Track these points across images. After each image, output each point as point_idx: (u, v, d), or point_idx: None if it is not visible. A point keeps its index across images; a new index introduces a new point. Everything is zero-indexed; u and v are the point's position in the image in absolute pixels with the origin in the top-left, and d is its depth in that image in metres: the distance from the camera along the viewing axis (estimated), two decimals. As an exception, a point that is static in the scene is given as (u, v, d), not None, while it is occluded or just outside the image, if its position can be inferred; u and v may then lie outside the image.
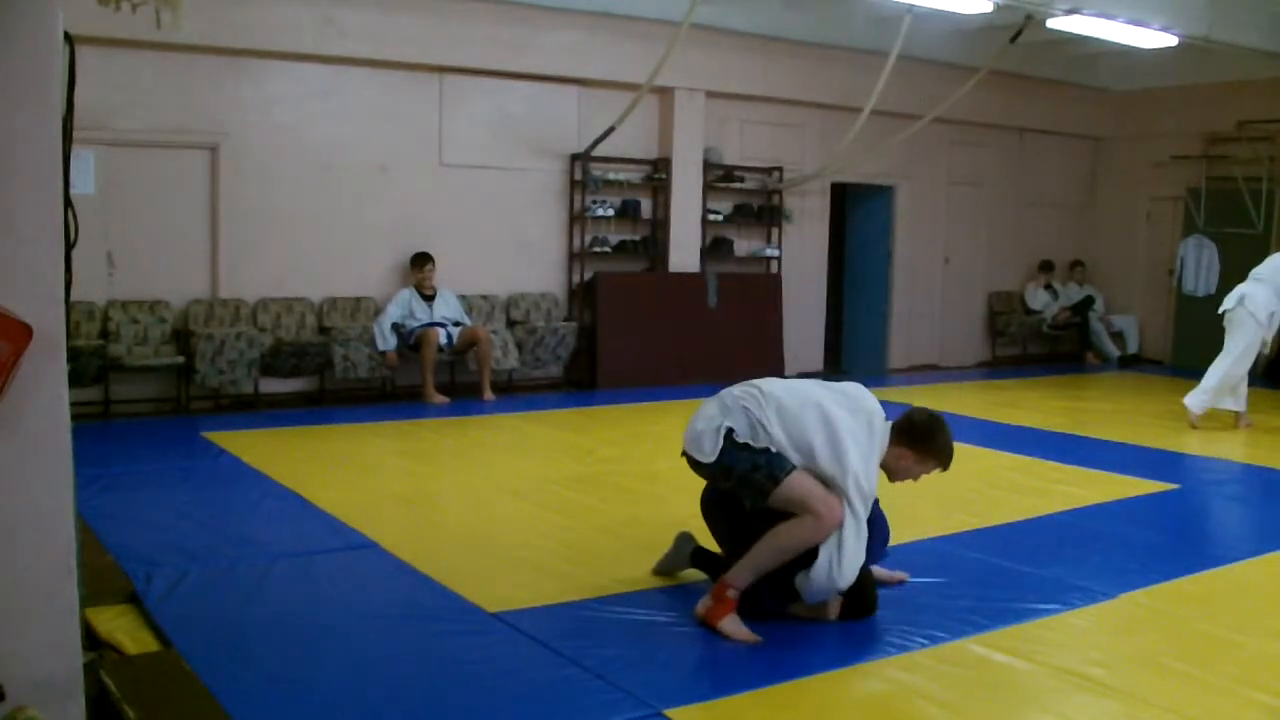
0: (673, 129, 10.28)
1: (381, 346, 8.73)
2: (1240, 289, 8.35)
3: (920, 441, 4.04)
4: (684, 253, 10.40)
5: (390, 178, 9.11)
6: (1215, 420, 8.39)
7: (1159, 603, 4.29)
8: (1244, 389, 8.36)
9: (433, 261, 9.00)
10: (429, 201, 9.28)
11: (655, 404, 9.06)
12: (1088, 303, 12.97)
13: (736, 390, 4.11)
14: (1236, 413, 8.41)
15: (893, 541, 4.94)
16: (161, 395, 8.20)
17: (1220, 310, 8.46)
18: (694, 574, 4.44)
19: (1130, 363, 12.75)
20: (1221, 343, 8.53)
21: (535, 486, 6.10)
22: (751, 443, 3.92)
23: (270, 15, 8.27)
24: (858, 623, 3.97)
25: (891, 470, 4.09)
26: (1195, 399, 8.33)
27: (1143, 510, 5.85)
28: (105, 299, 8.00)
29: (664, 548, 4.83)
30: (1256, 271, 8.42)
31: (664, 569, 4.48)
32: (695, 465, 4.09)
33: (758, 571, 3.93)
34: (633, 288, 10.15)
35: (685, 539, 4.46)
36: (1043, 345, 13.19)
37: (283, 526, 5.17)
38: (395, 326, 8.81)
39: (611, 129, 9.46)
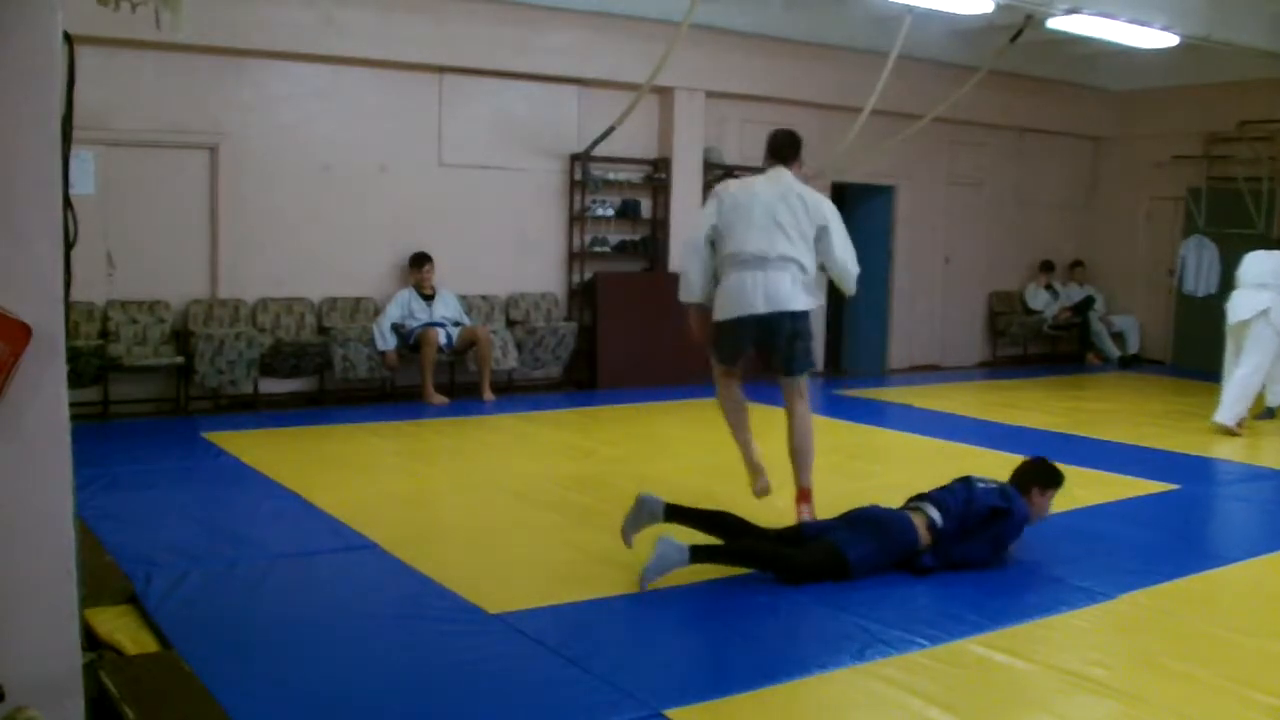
0: (673, 129, 10.28)
1: (381, 346, 8.72)
2: (1256, 299, 8.14)
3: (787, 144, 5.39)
4: (684, 253, 10.38)
5: (390, 178, 9.10)
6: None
7: (1159, 603, 4.29)
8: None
9: (431, 261, 9.00)
10: (429, 201, 9.27)
11: (655, 404, 9.07)
12: (1088, 303, 12.97)
13: (768, 245, 5.05)
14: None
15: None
16: (161, 395, 8.20)
17: (1233, 321, 8.29)
18: (694, 574, 4.44)
19: (1130, 363, 12.75)
20: (1222, 344, 8.51)
21: (535, 486, 6.10)
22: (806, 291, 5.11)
23: (270, 15, 8.27)
24: (856, 621, 3.96)
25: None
26: (1228, 414, 8.13)
27: (1143, 510, 5.86)
28: (105, 299, 7.99)
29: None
30: (1257, 276, 8.24)
31: (631, 527, 4.59)
32: (757, 323, 5.06)
33: (810, 457, 5.15)
34: (633, 288, 10.14)
35: (651, 499, 4.60)
36: (1043, 345, 13.19)
37: (283, 526, 5.17)
38: (395, 327, 8.80)
39: (611, 129, 9.46)
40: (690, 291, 5.30)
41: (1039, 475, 4.87)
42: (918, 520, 4.60)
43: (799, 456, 5.17)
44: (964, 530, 4.59)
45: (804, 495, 5.14)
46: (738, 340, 5.18)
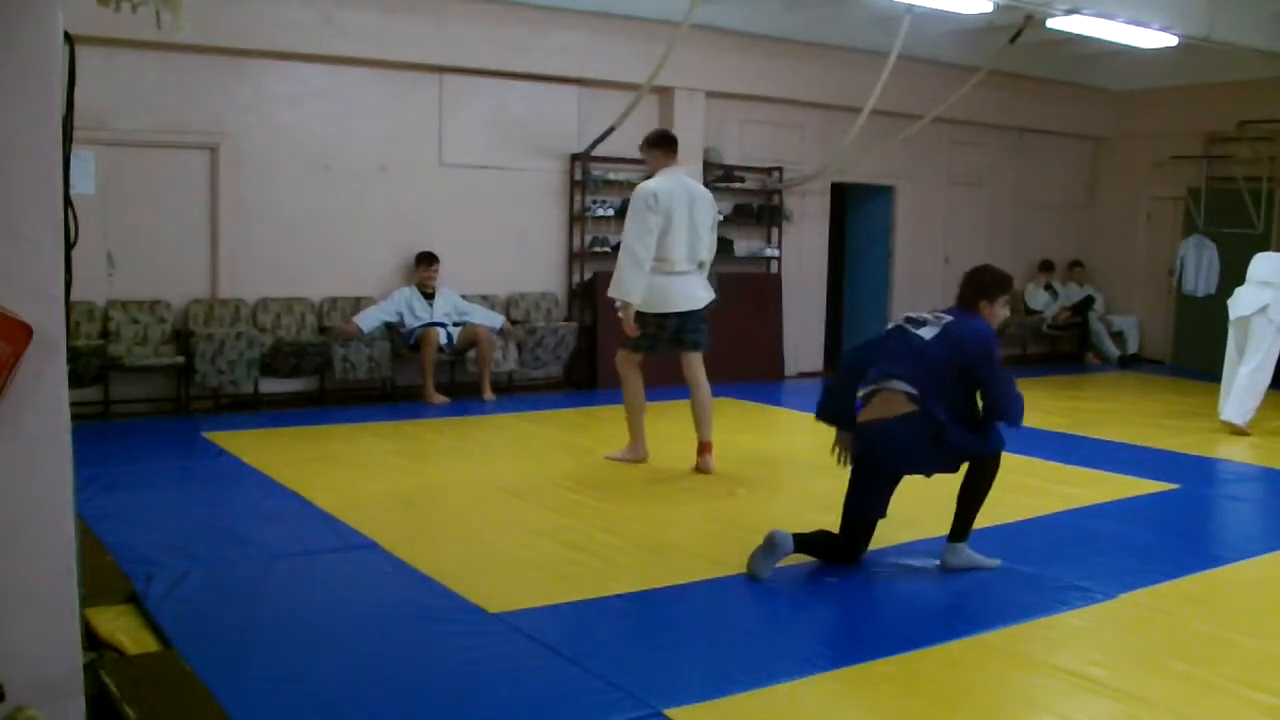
0: (673, 129, 10.25)
1: (358, 323, 8.64)
2: (1257, 296, 8.16)
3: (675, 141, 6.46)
4: (684, 253, 10.39)
5: (390, 177, 9.10)
6: (1216, 421, 8.36)
7: (1159, 603, 4.29)
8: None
9: (438, 262, 9.01)
10: (429, 201, 9.27)
11: (655, 404, 9.00)
12: (1088, 303, 12.97)
13: (693, 257, 6.35)
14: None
15: (892, 542, 4.96)
16: (161, 395, 8.20)
17: (1235, 316, 8.31)
18: (694, 573, 4.45)
19: (1130, 363, 12.75)
20: (1222, 343, 8.51)
21: (535, 486, 6.10)
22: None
23: (270, 15, 8.27)
24: (856, 621, 3.97)
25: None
26: (1237, 412, 8.13)
27: (1143, 510, 5.85)
28: (105, 299, 7.99)
29: (664, 547, 4.86)
30: (1263, 275, 8.25)
31: (760, 568, 4.44)
32: (680, 316, 6.30)
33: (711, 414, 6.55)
34: (633, 288, 10.12)
35: (781, 536, 4.44)
36: (1043, 345, 13.19)
37: (283, 526, 5.16)
38: (390, 326, 8.80)
39: (611, 129, 9.46)
40: (633, 296, 6.21)
41: (984, 286, 4.59)
42: (897, 403, 4.41)
43: (706, 414, 6.43)
44: (949, 396, 4.40)
45: (708, 448, 6.44)
46: (661, 330, 6.34)
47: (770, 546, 4.44)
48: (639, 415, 6.57)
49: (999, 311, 4.60)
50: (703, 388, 6.44)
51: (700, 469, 6.41)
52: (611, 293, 6.30)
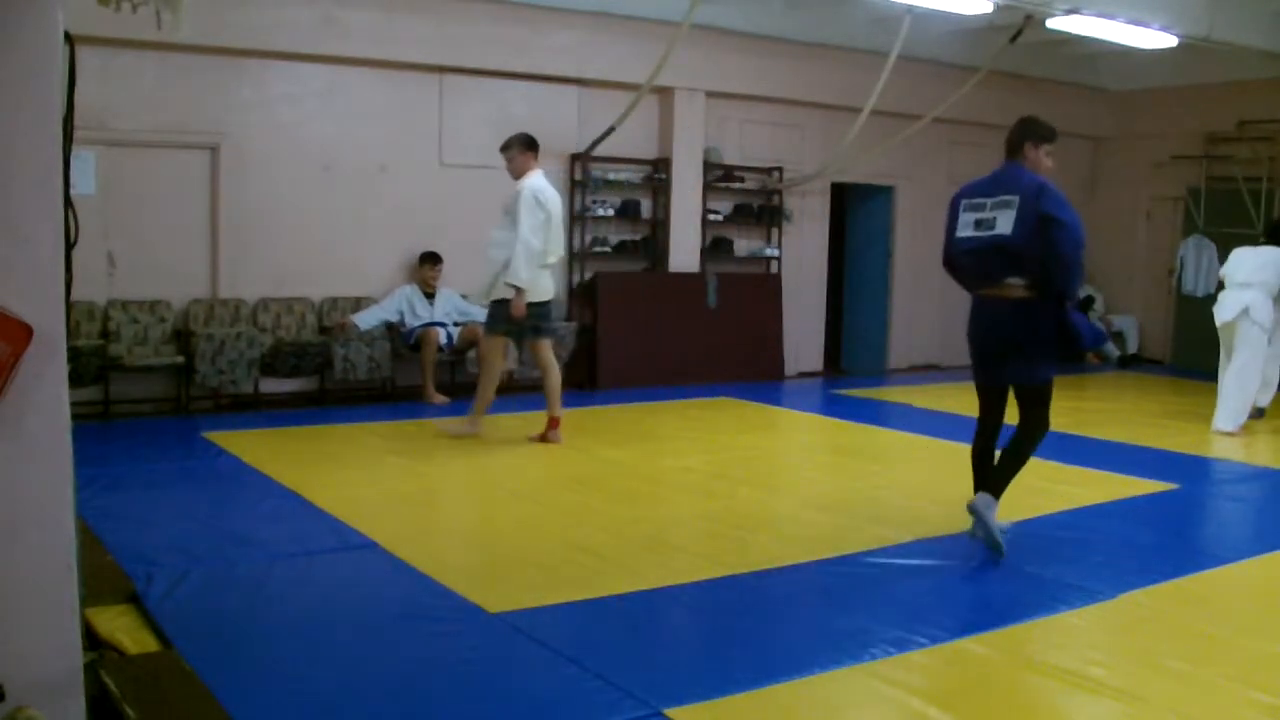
0: (673, 129, 10.28)
1: (357, 323, 8.68)
2: (1238, 299, 8.21)
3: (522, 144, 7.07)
4: (684, 253, 10.40)
5: (390, 177, 9.10)
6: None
7: (1159, 603, 4.29)
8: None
9: (441, 262, 9.01)
10: (429, 201, 9.27)
11: (655, 404, 9.07)
12: (1087, 303, 12.95)
13: (558, 253, 7.20)
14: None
15: (891, 541, 4.96)
16: (161, 395, 8.20)
17: (1220, 323, 8.34)
18: (693, 573, 4.45)
19: (1130, 363, 12.75)
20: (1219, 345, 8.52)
21: (535, 486, 6.10)
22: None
23: (270, 15, 8.27)
24: (856, 621, 3.96)
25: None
26: (1229, 421, 8.15)
27: (1143, 510, 5.86)
28: (105, 299, 8.00)
29: (664, 547, 4.87)
30: (1238, 275, 8.28)
31: (988, 537, 4.79)
32: (545, 305, 7.11)
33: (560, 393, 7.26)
34: (633, 288, 10.14)
35: (975, 504, 4.81)
36: (1043, 345, 13.16)
37: (283, 526, 5.16)
38: (390, 325, 8.81)
39: (611, 129, 9.45)
40: (527, 284, 6.83)
41: (1033, 130, 4.94)
42: (1016, 290, 4.57)
43: (556, 393, 7.17)
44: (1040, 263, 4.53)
45: (557, 423, 7.18)
46: (530, 317, 6.92)
47: (978, 517, 4.72)
48: (491, 395, 7.16)
49: (1044, 161, 4.81)
50: (554, 371, 7.19)
51: (548, 440, 7.16)
52: (509, 280, 6.81)
